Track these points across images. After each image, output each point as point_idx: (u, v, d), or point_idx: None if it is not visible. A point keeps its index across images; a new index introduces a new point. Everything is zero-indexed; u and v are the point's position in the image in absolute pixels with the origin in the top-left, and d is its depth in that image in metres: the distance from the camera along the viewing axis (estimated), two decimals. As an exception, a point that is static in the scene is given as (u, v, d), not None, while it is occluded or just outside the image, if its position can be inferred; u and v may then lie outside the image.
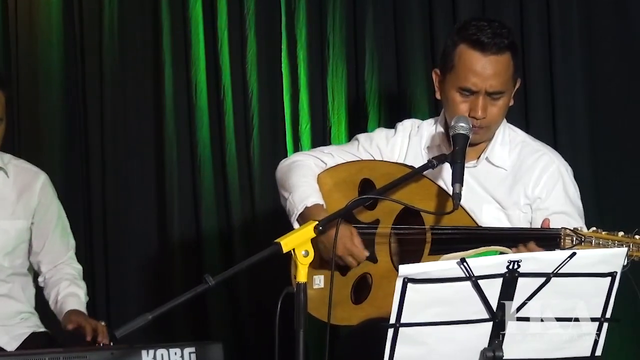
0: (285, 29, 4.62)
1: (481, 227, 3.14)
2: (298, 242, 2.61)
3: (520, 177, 3.25)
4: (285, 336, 2.64)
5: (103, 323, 3.56)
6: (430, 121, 3.42)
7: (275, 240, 2.61)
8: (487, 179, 3.25)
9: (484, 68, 3.14)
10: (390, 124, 3.57)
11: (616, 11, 4.26)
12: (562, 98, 4.25)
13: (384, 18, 4.47)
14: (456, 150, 3.04)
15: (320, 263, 3.22)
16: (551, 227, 3.04)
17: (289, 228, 3.22)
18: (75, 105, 4.82)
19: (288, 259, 3.13)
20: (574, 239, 2.96)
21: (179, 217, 4.73)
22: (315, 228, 2.64)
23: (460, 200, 2.93)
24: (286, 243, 2.60)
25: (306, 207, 3.23)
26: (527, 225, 3.25)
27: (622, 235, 2.95)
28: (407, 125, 3.44)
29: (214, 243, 4.69)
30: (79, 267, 3.90)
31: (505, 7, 4.32)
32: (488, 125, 3.20)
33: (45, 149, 4.71)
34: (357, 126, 4.48)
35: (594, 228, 2.98)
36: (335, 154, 3.41)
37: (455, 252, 3.03)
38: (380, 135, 3.44)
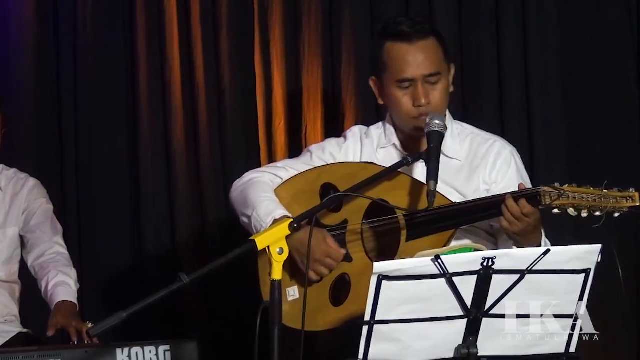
0: (258, 26, 4.60)
1: (456, 203, 3.15)
2: (273, 240, 2.61)
3: (477, 166, 3.30)
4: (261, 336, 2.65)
5: (90, 324, 3.44)
6: (378, 125, 3.45)
7: (250, 238, 2.62)
8: (444, 171, 3.20)
9: (414, 56, 3.21)
10: (367, 122, 3.56)
11: (593, 13, 4.26)
12: (538, 100, 4.25)
13: (361, 16, 4.46)
14: (431, 148, 3.06)
15: (292, 274, 3.22)
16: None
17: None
18: (49, 106, 4.79)
19: (257, 274, 3.17)
20: (552, 194, 2.96)
21: (153, 216, 4.71)
22: (290, 225, 2.64)
23: (435, 198, 2.95)
24: (261, 240, 2.60)
25: (275, 220, 3.17)
26: None
27: (597, 189, 2.97)
28: (355, 131, 3.47)
29: (189, 240, 4.68)
30: (66, 253, 3.85)
31: (481, 14, 4.32)
32: (434, 111, 3.21)
33: (19, 152, 4.66)
34: (333, 124, 4.47)
35: (567, 185, 2.98)
36: (289, 167, 3.41)
37: (434, 233, 3.09)
38: (331, 143, 3.47)
